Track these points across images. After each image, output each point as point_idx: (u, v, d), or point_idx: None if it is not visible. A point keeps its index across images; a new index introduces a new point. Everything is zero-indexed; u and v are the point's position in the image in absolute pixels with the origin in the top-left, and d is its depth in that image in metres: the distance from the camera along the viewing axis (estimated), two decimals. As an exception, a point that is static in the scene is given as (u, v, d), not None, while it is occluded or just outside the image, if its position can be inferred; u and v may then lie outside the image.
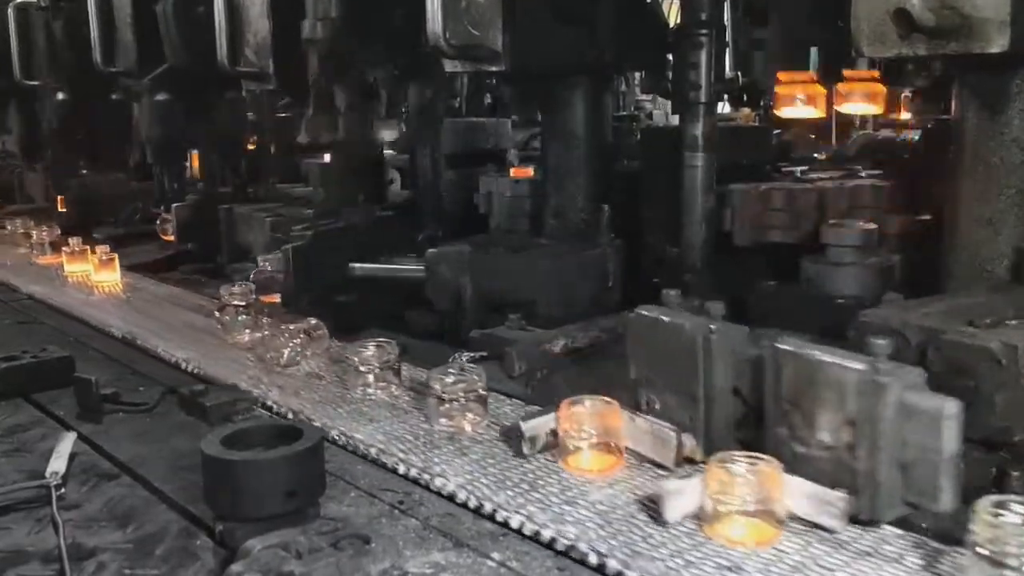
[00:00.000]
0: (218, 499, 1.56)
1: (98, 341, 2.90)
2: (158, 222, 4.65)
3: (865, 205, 2.88)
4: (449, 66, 2.88)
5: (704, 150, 2.96)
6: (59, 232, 4.22)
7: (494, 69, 2.89)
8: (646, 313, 1.83)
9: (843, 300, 2.62)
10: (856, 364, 1.48)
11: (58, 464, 1.83)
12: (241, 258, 4.04)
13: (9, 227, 4.60)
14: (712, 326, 1.71)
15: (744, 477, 1.45)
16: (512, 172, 3.92)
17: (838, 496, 1.45)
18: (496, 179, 3.96)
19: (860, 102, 3.62)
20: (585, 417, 1.71)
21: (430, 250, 3.12)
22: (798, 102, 3.40)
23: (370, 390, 2.18)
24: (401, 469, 1.79)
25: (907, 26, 1.84)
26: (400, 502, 1.67)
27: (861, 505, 1.45)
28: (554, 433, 1.77)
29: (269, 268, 3.51)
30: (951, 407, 1.40)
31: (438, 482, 1.71)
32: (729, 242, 2.99)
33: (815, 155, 4.35)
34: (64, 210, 5.36)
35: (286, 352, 2.40)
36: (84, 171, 5.82)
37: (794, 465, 1.51)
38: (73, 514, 1.68)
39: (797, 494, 1.48)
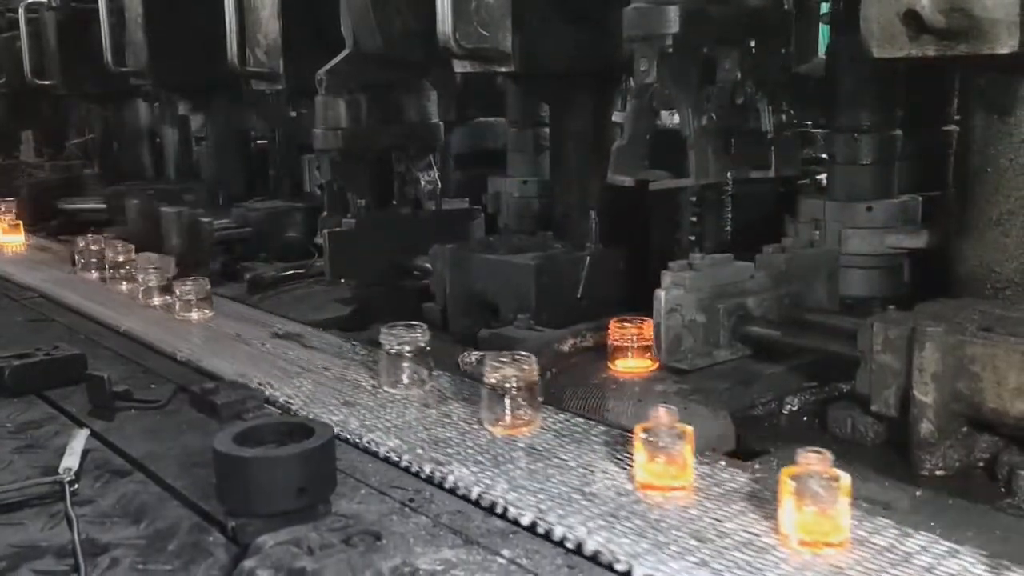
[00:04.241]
0: (230, 496, 1.58)
1: (110, 339, 2.91)
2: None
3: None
4: (459, 67, 2.89)
5: (713, 151, 2.95)
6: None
7: (503, 70, 2.90)
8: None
9: (850, 301, 2.63)
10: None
11: (71, 460, 1.84)
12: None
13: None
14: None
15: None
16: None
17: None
18: (504, 180, 3.98)
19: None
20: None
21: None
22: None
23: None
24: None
25: (917, 27, 1.84)
26: (410, 500, 1.68)
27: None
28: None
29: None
30: (660, 294, 2.25)
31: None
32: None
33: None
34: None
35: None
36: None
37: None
38: (86, 510, 1.69)
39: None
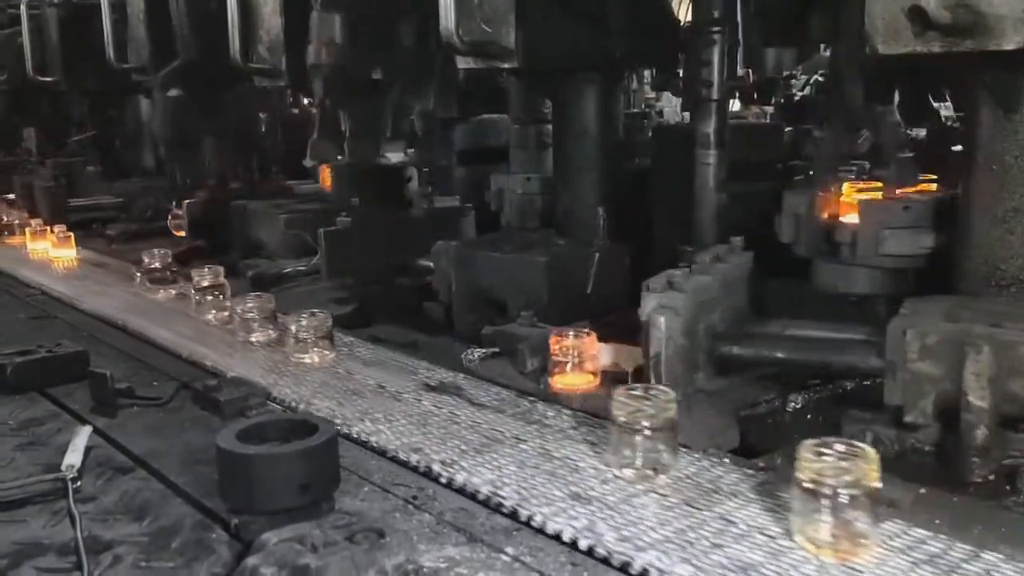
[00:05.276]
0: (233, 493, 1.58)
1: (112, 336, 2.91)
2: (170, 218, 4.67)
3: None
4: (462, 62, 2.88)
5: (716, 147, 2.96)
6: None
7: (506, 65, 2.89)
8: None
9: (855, 298, 2.62)
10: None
11: (74, 457, 1.84)
12: (253, 254, 4.06)
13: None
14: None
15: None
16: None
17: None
18: (507, 176, 3.97)
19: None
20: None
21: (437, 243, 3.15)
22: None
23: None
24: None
25: (922, 23, 1.83)
26: (414, 497, 1.67)
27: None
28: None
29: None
30: (658, 320, 2.06)
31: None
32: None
33: (826, 153, 4.34)
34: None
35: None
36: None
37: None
38: (89, 507, 1.69)
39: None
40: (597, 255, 2.84)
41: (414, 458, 1.81)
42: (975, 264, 2.18)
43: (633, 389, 1.71)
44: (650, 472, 1.67)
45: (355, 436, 1.94)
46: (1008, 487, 1.76)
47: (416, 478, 1.77)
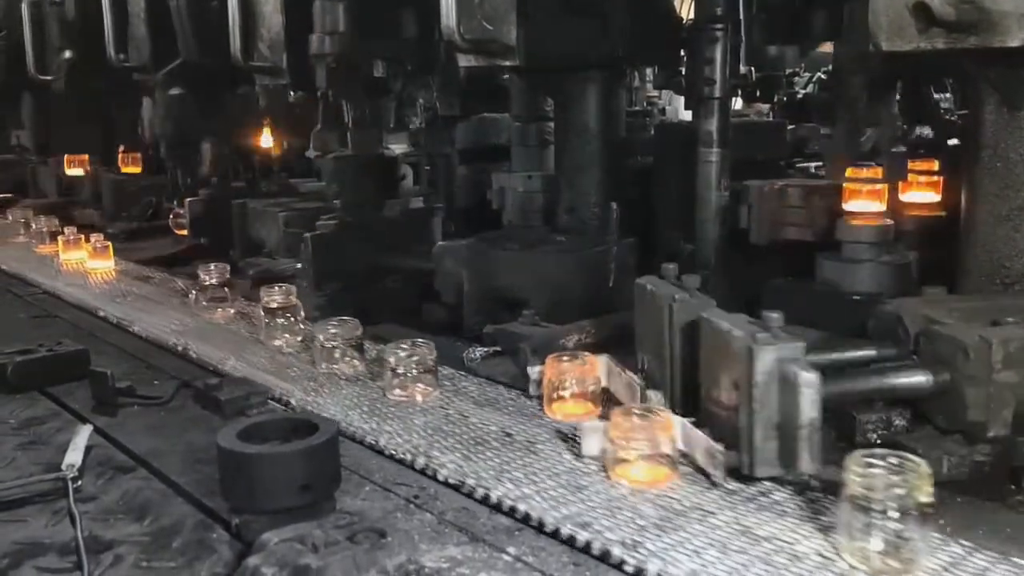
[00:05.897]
0: (234, 492, 1.57)
1: (113, 335, 2.91)
2: (171, 217, 4.66)
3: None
4: (463, 60, 2.87)
5: (718, 146, 2.95)
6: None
7: (507, 63, 2.88)
8: (641, 282, 2.07)
9: (858, 296, 2.61)
10: (739, 332, 1.63)
11: (74, 457, 1.84)
12: (254, 253, 4.05)
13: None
14: (676, 295, 1.89)
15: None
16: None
17: (719, 449, 1.62)
18: (508, 175, 3.96)
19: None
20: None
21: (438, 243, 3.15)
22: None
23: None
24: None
25: (926, 20, 1.83)
26: (415, 496, 1.67)
27: (743, 460, 1.61)
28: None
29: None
30: (810, 378, 1.51)
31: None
32: (742, 238, 2.98)
33: (829, 151, 4.33)
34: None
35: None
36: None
37: (707, 421, 1.74)
38: (90, 507, 1.69)
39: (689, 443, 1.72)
40: (615, 249, 2.85)
41: (583, 536, 1.47)
42: (979, 262, 2.18)
43: (871, 456, 1.38)
44: (896, 564, 1.34)
45: (494, 502, 1.63)
46: (1012, 487, 1.74)
47: (417, 477, 1.76)
